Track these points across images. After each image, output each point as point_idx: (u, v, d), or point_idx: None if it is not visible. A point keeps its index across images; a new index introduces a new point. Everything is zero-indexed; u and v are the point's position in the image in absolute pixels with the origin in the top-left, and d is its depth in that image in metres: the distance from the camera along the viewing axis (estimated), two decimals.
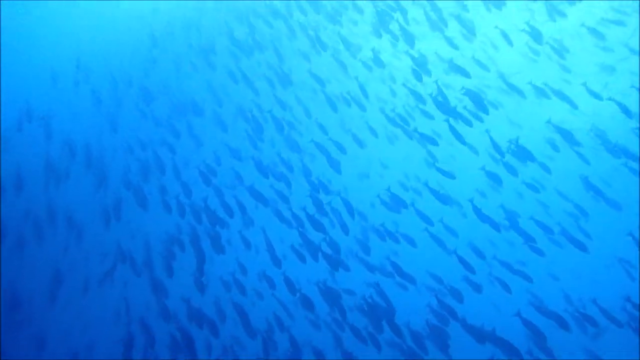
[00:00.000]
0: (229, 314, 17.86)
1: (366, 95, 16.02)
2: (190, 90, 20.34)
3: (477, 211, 12.58)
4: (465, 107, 14.85)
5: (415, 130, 14.38)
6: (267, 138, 19.03)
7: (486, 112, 13.46)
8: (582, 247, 11.81)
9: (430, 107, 16.71)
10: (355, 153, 23.80)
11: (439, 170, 14.31)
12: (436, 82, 14.05)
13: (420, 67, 15.16)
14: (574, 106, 15.18)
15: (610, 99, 15.31)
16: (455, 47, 15.34)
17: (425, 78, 15.61)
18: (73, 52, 21.05)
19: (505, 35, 15.80)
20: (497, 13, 20.76)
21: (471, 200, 13.11)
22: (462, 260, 12.41)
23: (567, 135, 14.08)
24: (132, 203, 18.19)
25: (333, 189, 21.52)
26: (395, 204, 14.89)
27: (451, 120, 14.15)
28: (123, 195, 17.83)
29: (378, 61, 16.50)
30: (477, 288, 13.08)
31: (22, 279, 18.06)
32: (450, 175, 14.35)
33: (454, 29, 19.12)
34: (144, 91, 18.56)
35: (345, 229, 13.83)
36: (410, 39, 14.50)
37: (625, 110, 15.75)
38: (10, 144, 19.19)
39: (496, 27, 15.14)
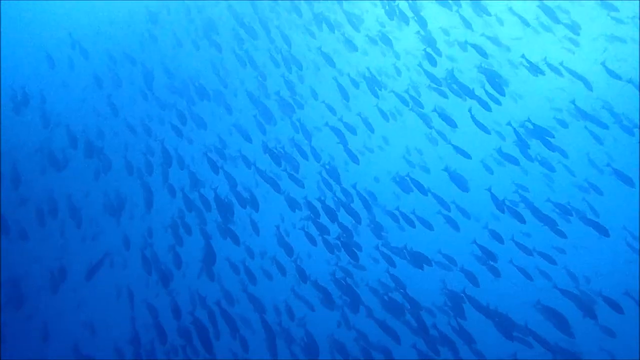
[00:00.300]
0: (237, 298, 17.79)
1: (371, 73, 15.66)
2: (192, 69, 19.77)
3: (498, 202, 12.40)
4: (482, 86, 14.55)
5: (435, 109, 14.10)
6: (273, 119, 18.63)
7: (502, 93, 13.17)
8: (603, 232, 11.73)
9: (438, 84, 16.34)
10: (359, 129, 23.49)
11: (454, 147, 14.09)
12: (452, 70, 13.71)
13: (430, 47, 14.79)
14: (581, 79, 14.91)
15: (616, 70, 15.11)
16: (468, 24, 14.93)
17: (435, 56, 15.22)
18: (68, 32, 20.29)
19: (513, 12, 15.43)
20: None
21: (489, 189, 12.94)
22: (483, 249, 12.31)
23: (573, 110, 13.90)
24: (136, 188, 17.86)
25: (337, 165, 21.28)
26: (409, 187, 14.70)
27: (467, 101, 13.88)
28: (125, 179, 17.48)
29: (384, 37, 16.08)
30: (495, 271, 13.03)
31: (23, 267, 17.82)
32: (466, 155, 14.11)
33: (464, 5, 18.65)
34: (143, 71, 17.99)
35: (357, 218, 13.63)
36: (421, 20, 14.08)
37: (633, 83, 15.56)
38: (6, 128, 18.65)
39: (510, 8, 14.72)
